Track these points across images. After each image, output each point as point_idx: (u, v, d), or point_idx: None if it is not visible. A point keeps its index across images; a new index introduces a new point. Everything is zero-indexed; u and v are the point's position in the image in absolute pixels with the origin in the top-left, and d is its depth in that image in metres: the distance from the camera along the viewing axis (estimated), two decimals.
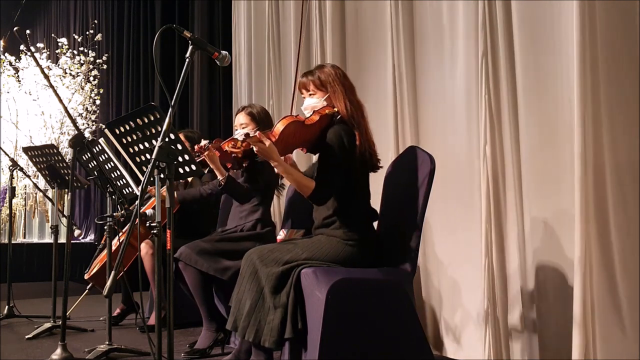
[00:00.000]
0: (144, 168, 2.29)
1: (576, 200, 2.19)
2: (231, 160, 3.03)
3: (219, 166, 2.82)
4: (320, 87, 2.40)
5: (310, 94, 2.42)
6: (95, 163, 2.97)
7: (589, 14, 2.22)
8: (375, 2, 3.42)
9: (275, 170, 2.29)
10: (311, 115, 2.34)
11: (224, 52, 2.16)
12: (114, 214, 2.86)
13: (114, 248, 2.94)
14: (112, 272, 1.83)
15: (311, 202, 2.33)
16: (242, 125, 3.08)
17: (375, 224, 2.49)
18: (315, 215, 2.44)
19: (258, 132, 2.23)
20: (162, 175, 1.99)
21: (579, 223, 2.17)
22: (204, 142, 2.78)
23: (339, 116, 2.36)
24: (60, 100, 3.02)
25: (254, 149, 2.22)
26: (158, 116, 2.17)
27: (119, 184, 2.91)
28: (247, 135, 2.21)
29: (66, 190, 3.56)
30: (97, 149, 2.93)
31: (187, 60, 2.07)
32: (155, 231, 1.98)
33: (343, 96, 2.36)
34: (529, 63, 2.56)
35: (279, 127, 2.25)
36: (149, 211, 2.01)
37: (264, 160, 2.98)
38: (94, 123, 6.52)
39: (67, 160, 3.60)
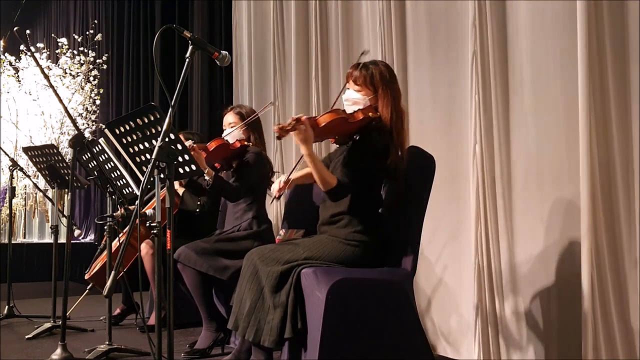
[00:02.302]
0: (144, 168, 2.29)
1: (582, 197, 2.20)
2: (220, 160, 3.04)
3: (205, 167, 2.83)
4: (370, 85, 2.35)
5: (356, 88, 2.38)
6: (95, 163, 2.97)
7: (594, 13, 2.23)
8: (368, 2, 3.42)
9: (303, 156, 2.25)
10: (355, 112, 2.32)
11: (224, 52, 2.16)
12: (114, 213, 2.86)
13: (114, 248, 2.94)
14: (112, 272, 1.83)
15: (327, 196, 2.30)
16: (230, 125, 3.10)
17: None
18: (322, 211, 2.44)
19: (306, 117, 2.20)
20: (162, 175, 1.99)
21: (587, 220, 2.18)
22: (188, 143, 2.77)
23: (379, 122, 2.33)
24: (60, 100, 3.02)
25: (298, 131, 2.18)
26: (158, 116, 2.17)
27: (119, 184, 2.91)
28: (297, 120, 2.17)
29: (66, 190, 3.56)
30: (97, 149, 2.93)
31: (187, 60, 2.07)
32: (155, 231, 1.98)
33: (391, 103, 2.33)
34: (520, 62, 2.57)
35: (325, 119, 2.25)
36: (149, 211, 2.01)
37: (250, 159, 2.98)
38: (94, 123, 6.51)
39: (67, 160, 3.60)
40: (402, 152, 2.33)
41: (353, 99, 2.38)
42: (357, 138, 2.35)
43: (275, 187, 2.41)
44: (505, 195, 2.59)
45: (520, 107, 2.57)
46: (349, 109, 2.36)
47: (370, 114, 2.32)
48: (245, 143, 3.06)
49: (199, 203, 3.49)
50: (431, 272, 2.99)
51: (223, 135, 3.07)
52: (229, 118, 3.13)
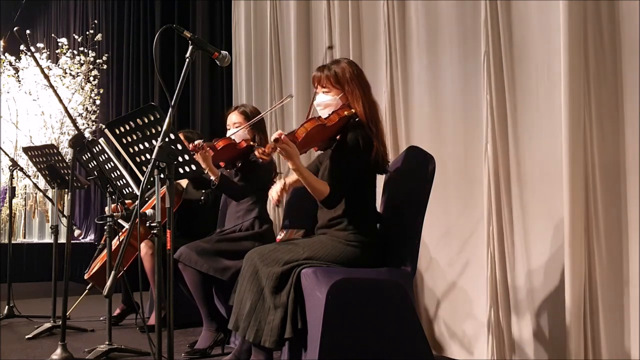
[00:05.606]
0: (144, 168, 2.29)
1: (565, 200, 2.21)
2: (225, 159, 3.04)
3: (212, 166, 2.83)
4: (336, 84, 2.34)
5: (324, 91, 2.36)
6: (95, 163, 2.97)
7: (578, 15, 2.24)
8: (374, 2, 3.42)
9: (293, 172, 2.25)
10: (330, 115, 2.29)
11: (224, 52, 2.16)
12: (114, 213, 2.86)
13: (113, 248, 2.94)
14: (112, 272, 1.83)
15: (324, 206, 2.31)
16: (235, 125, 3.09)
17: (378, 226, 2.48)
18: (320, 214, 2.43)
19: (284, 135, 2.17)
20: (162, 175, 1.99)
21: (568, 224, 2.20)
22: (198, 141, 2.77)
23: (357, 118, 2.32)
24: (60, 100, 3.02)
25: (281, 152, 2.17)
26: (158, 116, 2.17)
27: (119, 184, 2.91)
28: (276, 140, 2.15)
29: (66, 190, 3.56)
30: (97, 149, 2.93)
31: (187, 60, 2.07)
32: (155, 231, 1.98)
33: (362, 97, 2.31)
34: (532, 61, 2.56)
35: (303, 130, 2.22)
36: (149, 211, 2.01)
37: (256, 160, 2.97)
38: (94, 123, 6.51)
39: (67, 160, 3.60)
40: (383, 143, 2.33)
41: (324, 103, 2.35)
42: (339, 138, 2.35)
43: (274, 196, 2.39)
44: (517, 195, 2.57)
45: (533, 106, 2.55)
46: (323, 113, 2.33)
47: (345, 112, 2.30)
48: (251, 143, 3.06)
49: (203, 191, 3.48)
50: (443, 275, 2.97)
51: (227, 134, 3.06)
52: (233, 118, 3.12)
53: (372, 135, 2.29)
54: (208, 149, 2.81)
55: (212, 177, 2.86)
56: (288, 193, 2.38)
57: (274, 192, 2.39)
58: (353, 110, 2.32)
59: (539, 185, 2.51)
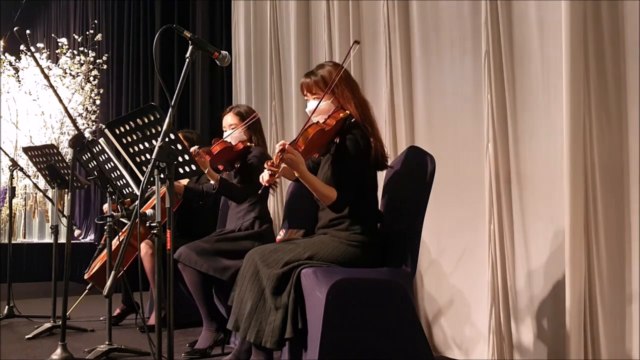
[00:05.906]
0: (144, 168, 2.28)
1: (565, 200, 2.21)
2: (223, 162, 3.04)
3: (210, 171, 2.83)
4: (325, 88, 2.33)
5: (315, 97, 2.36)
6: (95, 163, 2.97)
7: (579, 14, 2.24)
8: (374, 2, 3.42)
9: (300, 179, 2.23)
10: (327, 119, 2.29)
11: (224, 52, 2.16)
12: (114, 213, 2.86)
13: (113, 248, 2.94)
14: (112, 272, 1.83)
15: (332, 210, 2.30)
16: (231, 126, 3.09)
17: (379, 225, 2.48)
18: (321, 215, 2.43)
19: (288, 145, 2.15)
20: (162, 175, 1.99)
21: (568, 224, 2.20)
22: (193, 148, 2.77)
23: (352, 119, 2.33)
24: (60, 100, 3.02)
25: (287, 162, 2.15)
26: (158, 116, 2.17)
27: (119, 184, 2.91)
28: (282, 150, 2.14)
29: (66, 190, 3.57)
30: (97, 149, 2.93)
31: (187, 60, 2.07)
32: (155, 231, 1.98)
33: (352, 97, 2.32)
34: (532, 61, 2.56)
35: (305, 137, 2.21)
36: (148, 211, 2.01)
37: (254, 160, 2.96)
38: (94, 123, 6.51)
39: (67, 160, 3.60)
40: (379, 139, 2.33)
41: (318, 109, 2.34)
42: (337, 141, 2.34)
43: (265, 177, 2.34)
44: (517, 195, 2.57)
45: (533, 106, 2.55)
46: (318, 119, 2.32)
47: (341, 114, 2.30)
48: (248, 144, 3.06)
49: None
50: (444, 275, 2.96)
51: (224, 136, 3.07)
52: (229, 119, 3.12)
53: (369, 134, 2.30)
54: (205, 155, 2.81)
55: (212, 182, 2.86)
56: (279, 176, 2.35)
57: (265, 173, 2.35)
58: (347, 112, 2.33)
59: (539, 186, 2.51)
